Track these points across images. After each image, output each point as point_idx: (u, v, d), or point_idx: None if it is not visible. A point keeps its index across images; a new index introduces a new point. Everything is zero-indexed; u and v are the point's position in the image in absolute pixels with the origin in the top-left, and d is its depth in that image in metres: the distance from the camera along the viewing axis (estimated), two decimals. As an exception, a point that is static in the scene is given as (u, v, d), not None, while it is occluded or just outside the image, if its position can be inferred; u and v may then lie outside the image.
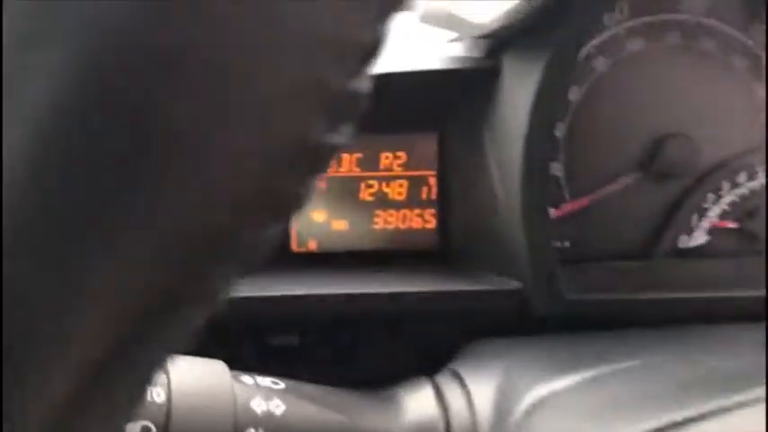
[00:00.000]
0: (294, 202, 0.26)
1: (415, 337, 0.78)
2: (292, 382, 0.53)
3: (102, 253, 0.21)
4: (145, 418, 0.44)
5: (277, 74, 0.22)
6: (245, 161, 0.23)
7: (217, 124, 0.21)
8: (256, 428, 0.48)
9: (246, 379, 0.51)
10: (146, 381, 0.26)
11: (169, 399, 0.45)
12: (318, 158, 0.26)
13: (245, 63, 0.22)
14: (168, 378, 0.47)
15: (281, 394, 0.51)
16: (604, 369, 0.54)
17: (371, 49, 0.25)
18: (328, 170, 0.84)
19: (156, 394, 0.45)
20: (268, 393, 0.50)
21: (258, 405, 0.49)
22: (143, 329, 0.24)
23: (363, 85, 0.25)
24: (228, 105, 0.21)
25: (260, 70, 0.22)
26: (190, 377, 0.48)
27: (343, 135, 0.26)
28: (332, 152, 0.26)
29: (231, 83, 0.21)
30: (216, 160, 0.22)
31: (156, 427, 0.44)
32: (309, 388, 0.54)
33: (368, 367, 0.78)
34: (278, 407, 0.50)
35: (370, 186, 0.85)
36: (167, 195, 0.21)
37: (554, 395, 0.53)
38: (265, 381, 0.52)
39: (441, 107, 0.83)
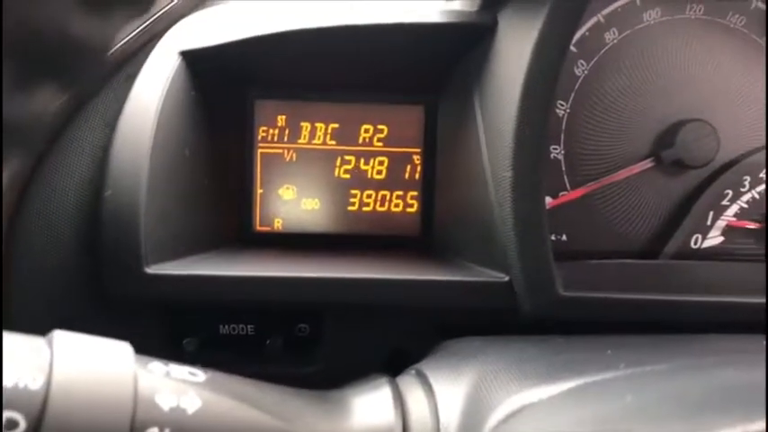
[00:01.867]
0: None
1: (384, 332, 0.69)
2: (216, 374, 0.44)
3: None
4: (12, 408, 0.35)
5: None
6: None
7: None
8: (161, 428, 0.39)
9: (156, 367, 0.42)
10: None
11: (48, 385, 0.36)
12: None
13: None
14: (51, 359, 0.38)
15: (198, 388, 0.42)
16: (589, 379, 0.44)
17: None
18: (298, 141, 0.75)
19: (32, 378, 0.36)
20: (181, 386, 0.41)
21: (166, 400, 0.40)
22: None
23: None
24: None
25: None
26: (80, 360, 0.39)
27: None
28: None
29: None
30: None
31: (26, 420, 0.35)
32: (236, 382, 0.45)
33: (332, 364, 0.69)
34: (192, 403, 0.41)
35: (347, 162, 0.76)
36: None
37: (531, 407, 0.44)
38: (181, 370, 0.43)
39: (430, 72, 0.74)
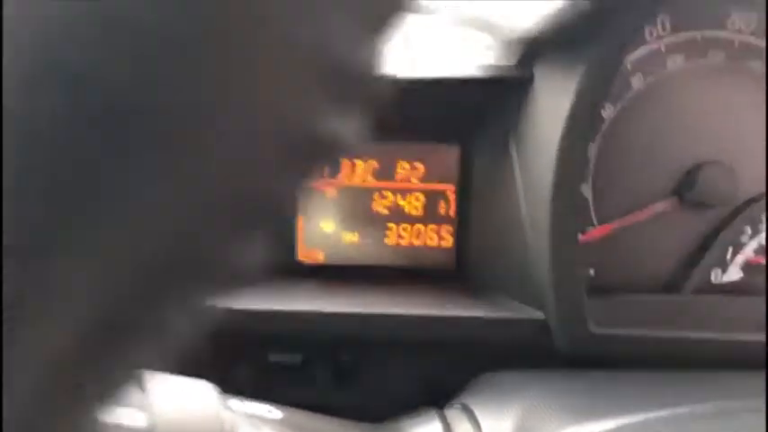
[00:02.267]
0: (279, 207, 0.23)
1: (424, 364, 0.72)
2: (289, 411, 0.48)
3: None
4: (122, 445, 0.39)
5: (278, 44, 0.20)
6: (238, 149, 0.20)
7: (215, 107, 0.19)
8: (243, 462, 0.42)
9: (235, 404, 0.46)
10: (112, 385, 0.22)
11: (152, 425, 0.40)
12: (319, 153, 0.22)
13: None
14: (150, 400, 0.41)
15: (276, 425, 0.46)
16: (633, 419, 0.48)
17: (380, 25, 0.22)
18: (339, 177, 0.79)
19: (138, 419, 0.40)
20: (260, 424, 0.45)
21: (247, 436, 0.44)
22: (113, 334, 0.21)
23: (372, 68, 0.22)
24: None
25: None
26: (174, 400, 0.42)
27: (349, 128, 0.23)
28: (334, 149, 0.23)
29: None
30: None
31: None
32: (307, 418, 0.49)
33: (372, 392, 0.72)
34: (269, 439, 0.45)
35: (385, 198, 0.80)
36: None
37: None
38: (258, 408, 0.46)
39: (466, 117, 0.77)
